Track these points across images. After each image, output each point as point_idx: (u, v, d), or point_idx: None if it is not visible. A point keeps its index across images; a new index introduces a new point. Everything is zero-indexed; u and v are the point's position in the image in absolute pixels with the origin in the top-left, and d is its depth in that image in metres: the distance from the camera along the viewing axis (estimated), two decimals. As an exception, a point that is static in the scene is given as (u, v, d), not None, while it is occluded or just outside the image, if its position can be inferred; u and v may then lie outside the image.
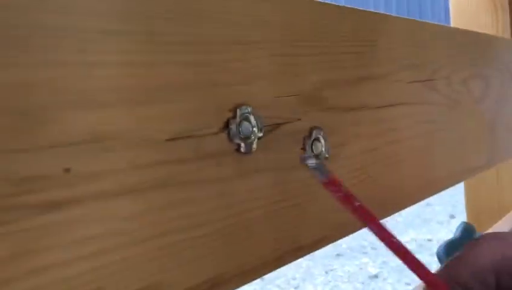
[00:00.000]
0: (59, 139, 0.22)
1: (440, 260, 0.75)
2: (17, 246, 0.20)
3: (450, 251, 0.71)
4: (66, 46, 0.22)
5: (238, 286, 0.30)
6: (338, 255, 5.30)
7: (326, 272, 4.85)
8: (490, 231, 0.70)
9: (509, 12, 0.86)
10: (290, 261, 0.34)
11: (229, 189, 0.30)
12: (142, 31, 0.26)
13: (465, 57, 0.60)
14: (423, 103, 0.50)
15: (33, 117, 0.21)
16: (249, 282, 0.31)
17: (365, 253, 4.91)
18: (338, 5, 0.40)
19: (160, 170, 0.26)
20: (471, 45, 0.62)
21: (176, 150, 0.27)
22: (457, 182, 0.56)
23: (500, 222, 0.74)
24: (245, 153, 0.31)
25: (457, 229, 0.81)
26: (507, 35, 0.85)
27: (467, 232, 0.78)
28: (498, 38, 0.77)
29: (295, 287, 4.53)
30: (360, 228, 0.41)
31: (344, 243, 6.02)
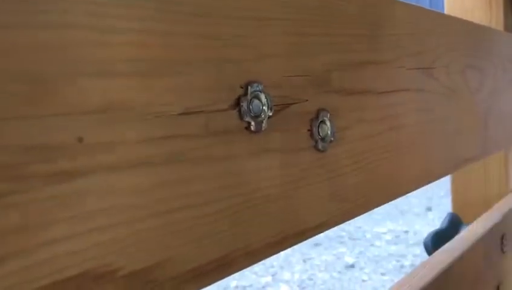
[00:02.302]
0: (72, 107, 0.21)
1: (427, 250, 0.76)
2: (27, 217, 0.19)
3: (437, 241, 0.72)
4: (78, 8, 0.21)
5: (243, 268, 0.29)
6: (316, 244, 5.34)
7: (304, 261, 4.89)
8: (476, 222, 0.70)
9: (503, 6, 0.86)
10: (293, 244, 0.33)
11: (237, 168, 0.29)
12: (157, -2, 0.24)
13: (463, 47, 0.60)
14: (423, 91, 0.50)
15: (46, 83, 0.20)
16: (253, 264, 0.30)
17: (342, 243, 4.97)
18: (347, -14, 0.40)
19: (171, 144, 0.25)
20: (469, 35, 0.62)
21: (187, 125, 0.26)
22: (452, 171, 0.56)
23: (484, 215, 0.74)
24: (255, 131, 0.30)
25: (444, 219, 0.82)
26: (500, 29, 0.85)
27: (453, 223, 0.79)
28: (493, 30, 0.77)
29: (273, 275, 4.57)
30: (358, 215, 0.41)
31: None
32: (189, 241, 0.26)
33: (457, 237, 0.65)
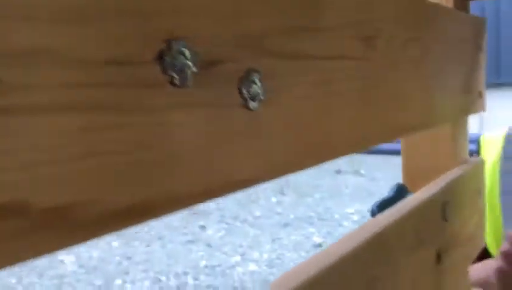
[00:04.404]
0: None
1: (373, 215, 0.79)
2: None
3: (383, 208, 0.75)
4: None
5: (167, 213, 0.31)
6: (285, 224, 5.42)
7: (273, 241, 4.96)
8: (420, 191, 0.73)
9: (454, -15, 0.88)
10: (220, 195, 0.35)
11: (162, 119, 0.30)
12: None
13: (408, 20, 0.62)
14: (362, 59, 0.52)
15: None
16: (177, 210, 0.32)
17: (311, 223, 5.05)
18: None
19: (93, 92, 0.26)
20: (415, 9, 0.64)
21: (109, 75, 0.27)
22: (392, 139, 0.58)
23: (429, 185, 0.78)
24: (179, 86, 0.31)
25: (391, 189, 0.85)
26: (450, 6, 0.88)
27: (400, 192, 0.82)
28: (442, 6, 0.80)
29: (241, 255, 4.62)
30: (289, 173, 0.43)
31: (292, 213, 6.18)
32: (112, 185, 0.27)
33: (400, 203, 0.68)
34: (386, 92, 0.57)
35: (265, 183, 0.40)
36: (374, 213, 0.74)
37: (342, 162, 10.96)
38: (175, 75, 0.31)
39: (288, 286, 0.43)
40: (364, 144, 0.53)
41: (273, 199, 7.95)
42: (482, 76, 0.93)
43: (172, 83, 0.31)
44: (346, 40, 0.50)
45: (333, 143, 0.48)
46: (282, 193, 8.30)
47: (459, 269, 0.84)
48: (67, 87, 0.25)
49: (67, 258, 5.54)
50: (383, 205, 0.76)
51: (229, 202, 8.10)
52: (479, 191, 0.91)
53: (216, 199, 0.35)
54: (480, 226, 0.95)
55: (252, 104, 0.37)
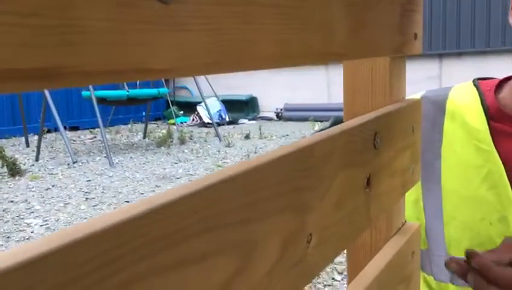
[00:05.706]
0: None
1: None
2: None
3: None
4: None
5: (75, 85, 0.34)
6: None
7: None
8: (352, 120, 0.78)
9: None
10: (133, 79, 0.38)
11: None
12: None
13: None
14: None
15: None
16: (86, 84, 0.35)
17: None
18: None
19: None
20: None
21: None
22: (316, 62, 0.62)
23: (371, 113, 0.82)
24: (86, -34, 0.34)
25: (329, 121, 0.90)
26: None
27: (334, 124, 0.87)
28: None
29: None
30: (207, 74, 0.46)
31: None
32: (10, 44, 0.30)
33: (331, 128, 0.72)
34: (311, 16, 0.61)
35: (181, 77, 0.43)
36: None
37: (307, 130, 11.10)
38: (81, -44, 0.33)
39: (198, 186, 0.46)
40: (286, 62, 0.56)
41: (241, 165, 7.99)
42: (419, 19, 0.97)
43: (79, -37, 0.33)
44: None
45: (253, 53, 0.51)
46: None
47: (391, 197, 0.90)
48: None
49: (34, 221, 5.52)
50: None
51: (197, 169, 8.14)
52: (412, 128, 0.96)
53: (130, 82, 0.38)
54: (415, 161, 1.00)
55: (165, -2, 0.40)
